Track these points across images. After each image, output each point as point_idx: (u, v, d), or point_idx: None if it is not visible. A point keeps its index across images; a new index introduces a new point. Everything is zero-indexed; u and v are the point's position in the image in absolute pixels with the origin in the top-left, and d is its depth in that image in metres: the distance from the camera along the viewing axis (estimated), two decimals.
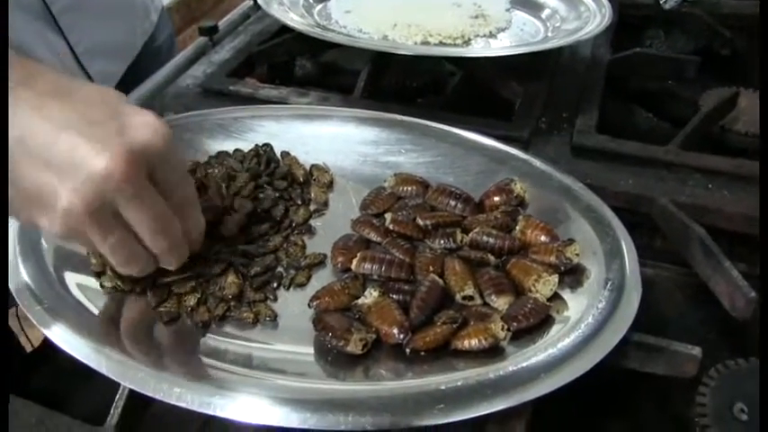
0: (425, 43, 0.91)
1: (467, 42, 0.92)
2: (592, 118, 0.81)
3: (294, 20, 0.92)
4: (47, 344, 0.65)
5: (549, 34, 0.94)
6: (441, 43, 0.91)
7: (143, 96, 0.90)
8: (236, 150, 0.70)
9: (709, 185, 0.72)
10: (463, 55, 0.92)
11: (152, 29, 1.12)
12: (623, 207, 0.69)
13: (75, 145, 0.46)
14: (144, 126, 0.47)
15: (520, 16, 1.01)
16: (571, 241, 0.58)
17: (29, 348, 0.80)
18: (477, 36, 0.94)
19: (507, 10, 1.00)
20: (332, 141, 0.73)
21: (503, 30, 0.97)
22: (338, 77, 1.01)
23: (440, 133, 0.72)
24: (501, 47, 0.93)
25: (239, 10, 1.13)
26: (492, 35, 0.95)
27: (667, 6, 1.03)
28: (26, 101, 0.47)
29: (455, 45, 0.92)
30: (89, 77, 1.00)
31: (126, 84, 1.00)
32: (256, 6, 1.09)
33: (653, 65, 0.96)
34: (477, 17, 0.96)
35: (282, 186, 0.67)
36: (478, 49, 0.92)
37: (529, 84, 0.88)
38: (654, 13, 1.06)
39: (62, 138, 0.46)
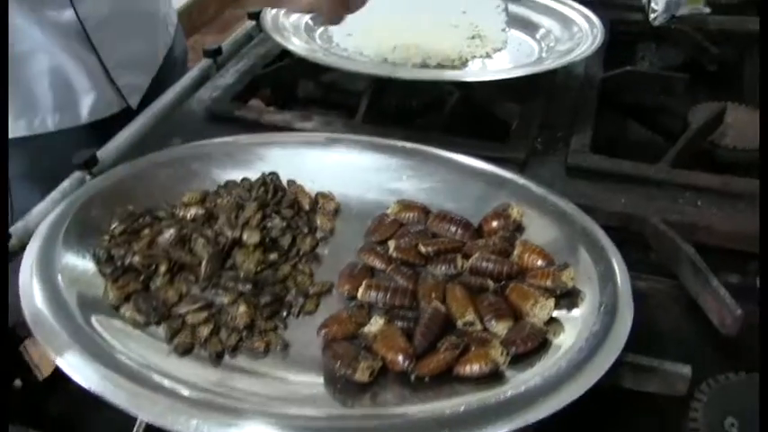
0: (425, 65, 0.94)
1: (464, 63, 0.95)
2: (586, 137, 0.84)
3: (296, 44, 0.95)
4: (58, 372, 0.67)
5: (544, 54, 0.97)
6: (439, 65, 0.94)
7: (153, 119, 0.91)
8: (244, 179, 0.72)
9: (698, 203, 0.75)
10: (460, 79, 0.94)
11: (171, 42, 1.15)
12: (617, 226, 0.71)
13: None
14: None
15: (515, 36, 1.03)
16: (566, 266, 0.60)
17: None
18: (474, 57, 0.96)
19: (503, 30, 1.03)
20: (337, 168, 0.75)
21: (499, 50, 0.99)
22: (340, 97, 1.04)
23: (440, 159, 0.74)
24: (497, 69, 0.96)
25: (242, 31, 1.15)
26: (488, 56, 0.98)
27: (657, 23, 1.05)
28: None
29: (453, 66, 0.94)
30: (118, 90, 1.03)
31: (150, 95, 1.03)
32: (259, 28, 1.11)
33: (643, 82, 0.98)
34: (473, 38, 0.99)
35: (289, 215, 0.69)
36: (475, 72, 0.95)
37: (525, 104, 0.91)
38: (644, 30, 1.09)
39: None
